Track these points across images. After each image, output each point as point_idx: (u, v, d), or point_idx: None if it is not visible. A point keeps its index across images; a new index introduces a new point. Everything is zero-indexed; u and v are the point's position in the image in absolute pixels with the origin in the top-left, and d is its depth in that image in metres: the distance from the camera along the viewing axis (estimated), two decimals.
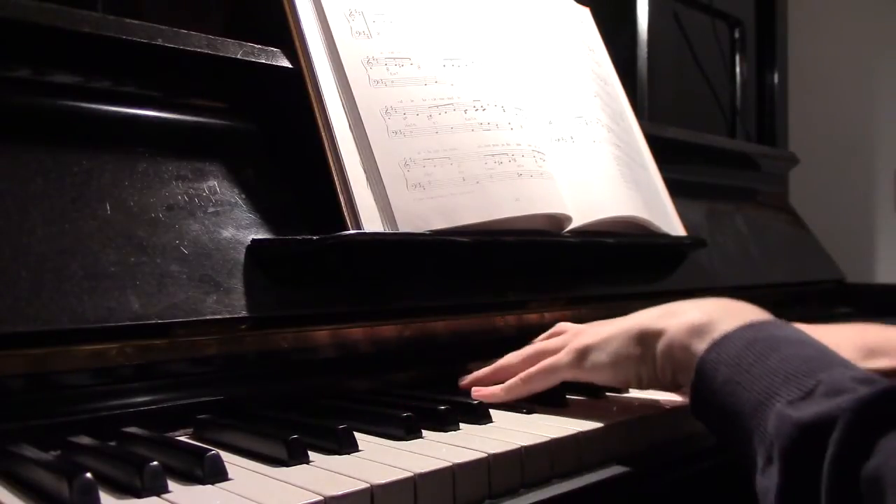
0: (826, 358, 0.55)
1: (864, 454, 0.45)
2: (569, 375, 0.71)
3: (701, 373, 0.59)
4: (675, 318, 0.65)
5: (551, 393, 0.73)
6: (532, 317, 0.94)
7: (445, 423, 0.64)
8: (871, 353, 0.80)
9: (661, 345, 0.65)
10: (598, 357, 0.69)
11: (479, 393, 0.74)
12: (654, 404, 0.74)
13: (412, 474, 0.52)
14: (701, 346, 0.61)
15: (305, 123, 0.78)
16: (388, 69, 0.82)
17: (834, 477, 0.46)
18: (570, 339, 0.73)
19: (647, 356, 0.66)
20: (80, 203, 0.66)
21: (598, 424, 0.65)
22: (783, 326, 0.61)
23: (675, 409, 0.73)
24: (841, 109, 2.29)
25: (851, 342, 0.81)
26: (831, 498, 0.46)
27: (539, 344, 0.77)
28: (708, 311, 0.63)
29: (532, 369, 0.73)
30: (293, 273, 0.74)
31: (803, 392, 0.51)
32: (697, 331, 0.62)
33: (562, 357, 0.71)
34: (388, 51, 0.83)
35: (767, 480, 0.51)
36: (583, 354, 0.70)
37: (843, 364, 0.54)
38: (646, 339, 0.66)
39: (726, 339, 0.59)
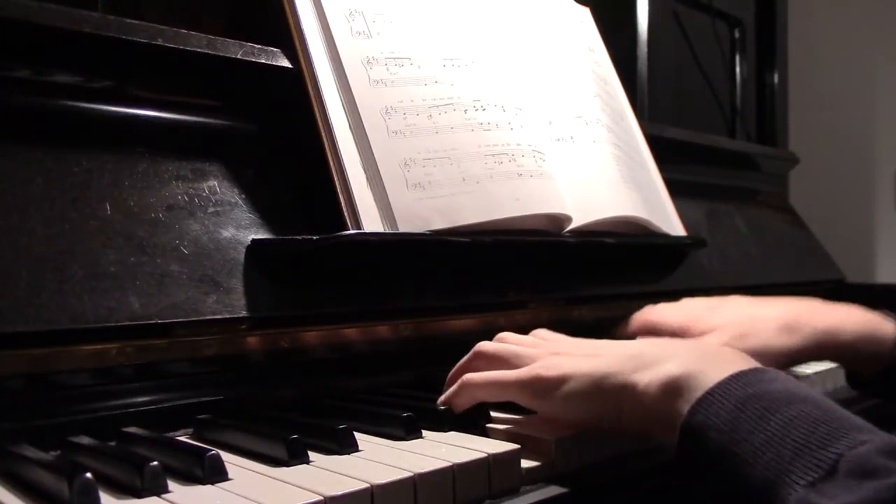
0: (835, 419, 0.49)
1: None
2: (518, 399, 0.65)
3: (688, 439, 0.53)
4: (647, 370, 0.58)
5: None
6: (532, 317, 0.94)
7: (445, 423, 0.64)
8: (789, 329, 0.82)
9: (630, 400, 0.58)
10: (553, 392, 0.62)
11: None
12: None
13: (412, 474, 0.52)
14: (682, 404, 0.54)
15: (305, 123, 0.78)
16: (388, 69, 0.82)
17: None
18: (527, 355, 0.66)
19: (608, 406, 0.60)
20: (81, 203, 0.66)
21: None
22: (773, 377, 0.55)
23: None
24: (841, 109, 2.29)
25: (776, 316, 0.83)
26: None
27: (486, 347, 0.70)
28: (685, 361, 0.57)
29: (479, 378, 0.66)
30: (293, 273, 0.74)
31: (823, 470, 0.46)
32: (675, 386, 0.56)
33: (515, 377, 0.64)
34: (388, 51, 0.83)
35: None
36: (538, 383, 0.63)
37: (857, 427, 0.49)
38: (611, 389, 0.59)
39: (712, 396, 0.53)
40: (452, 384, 0.68)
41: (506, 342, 0.71)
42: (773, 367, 0.57)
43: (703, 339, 0.82)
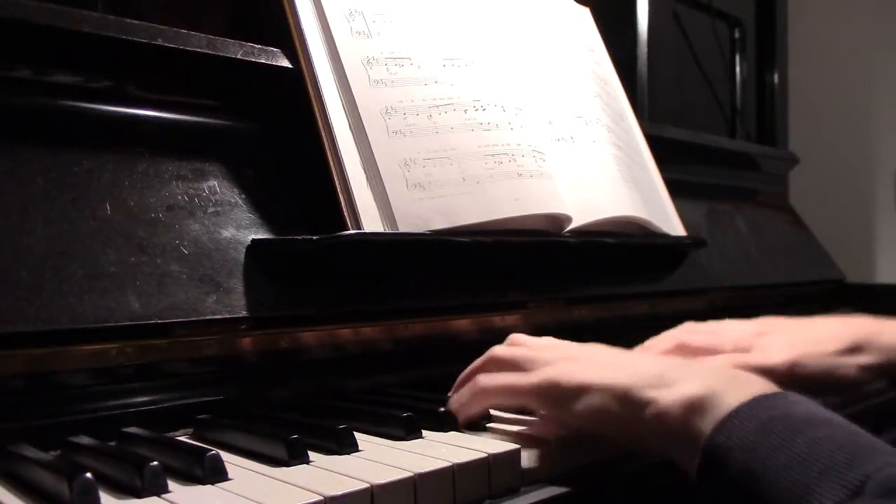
0: (861, 442, 0.49)
1: None
2: (533, 406, 0.64)
3: (710, 459, 0.52)
4: (668, 388, 0.57)
5: None
6: (532, 317, 0.94)
7: (445, 423, 0.64)
8: (856, 347, 0.79)
9: (649, 417, 0.57)
10: (572, 403, 0.60)
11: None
12: None
13: (412, 474, 0.52)
14: (704, 424, 0.54)
15: (305, 123, 0.78)
16: (388, 69, 0.82)
17: None
18: (543, 360, 0.64)
19: (628, 422, 0.58)
20: (80, 203, 0.66)
21: None
22: (796, 401, 0.54)
23: None
24: (841, 109, 2.29)
25: (837, 335, 0.80)
26: None
27: (500, 351, 0.68)
28: (707, 381, 0.56)
29: (492, 384, 0.64)
30: (293, 273, 0.74)
31: (850, 490, 0.45)
32: (697, 406, 0.55)
33: (529, 384, 0.63)
34: (388, 51, 0.83)
35: None
36: (555, 391, 0.61)
37: (883, 451, 0.48)
38: (631, 405, 0.58)
39: (735, 418, 0.52)
40: (462, 387, 0.67)
41: (518, 345, 0.69)
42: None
43: (760, 364, 0.76)
